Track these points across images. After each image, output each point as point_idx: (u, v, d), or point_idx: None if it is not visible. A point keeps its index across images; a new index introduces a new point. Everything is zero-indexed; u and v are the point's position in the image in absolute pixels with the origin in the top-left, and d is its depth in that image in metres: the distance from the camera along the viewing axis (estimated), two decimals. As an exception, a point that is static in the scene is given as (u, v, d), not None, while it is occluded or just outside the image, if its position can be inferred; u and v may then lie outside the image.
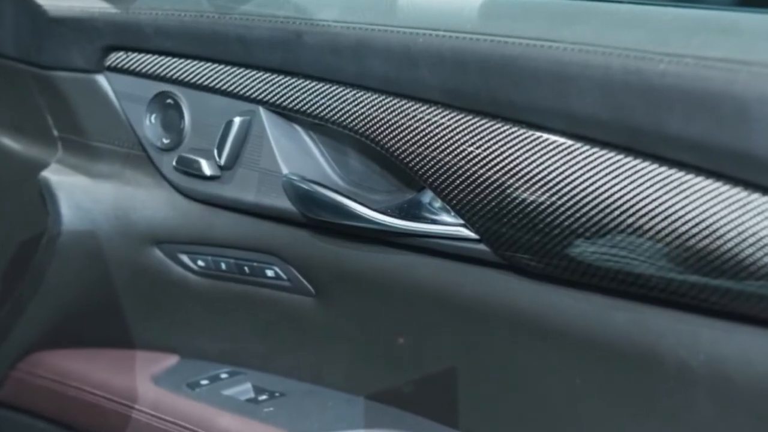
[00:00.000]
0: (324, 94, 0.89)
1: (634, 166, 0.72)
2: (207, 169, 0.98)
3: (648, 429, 0.78)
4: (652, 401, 0.77)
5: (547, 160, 0.76)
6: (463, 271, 0.86)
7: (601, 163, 0.73)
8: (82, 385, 1.09)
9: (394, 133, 0.84)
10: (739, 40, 0.72)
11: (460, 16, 0.84)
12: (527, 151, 0.77)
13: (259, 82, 0.93)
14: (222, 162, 0.96)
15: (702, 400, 0.74)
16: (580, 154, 0.74)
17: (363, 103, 0.86)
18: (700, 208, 0.69)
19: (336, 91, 0.88)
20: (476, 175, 0.79)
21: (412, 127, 0.83)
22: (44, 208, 1.05)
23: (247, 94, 0.94)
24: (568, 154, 0.75)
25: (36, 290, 1.08)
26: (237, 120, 0.95)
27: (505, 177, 0.78)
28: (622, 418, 0.80)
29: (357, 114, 0.86)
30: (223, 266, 1.02)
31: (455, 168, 0.81)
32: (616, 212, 0.73)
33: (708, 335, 0.73)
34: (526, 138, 0.77)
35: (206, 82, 0.97)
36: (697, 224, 0.69)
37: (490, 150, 0.78)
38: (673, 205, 0.70)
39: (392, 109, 0.84)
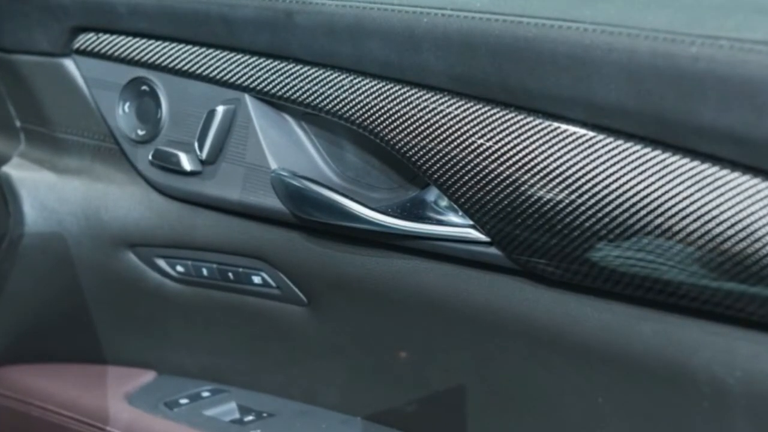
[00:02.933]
0: (317, 80, 0.89)
1: (663, 160, 0.72)
2: (187, 163, 0.98)
3: (678, 454, 0.79)
4: (683, 423, 0.77)
5: (566, 153, 0.76)
6: (472, 278, 0.86)
7: (626, 157, 0.73)
8: (47, 405, 1.09)
9: (395, 124, 0.84)
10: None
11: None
12: (544, 143, 0.77)
13: (245, 67, 0.93)
14: (203, 156, 0.96)
15: (739, 423, 0.74)
16: (603, 147, 0.74)
17: (361, 91, 0.86)
18: (737, 207, 0.69)
19: (331, 77, 0.88)
20: (487, 171, 0.79)
21: (415, 117, 0.83)
22: (5, 208, 1.05)
23: (232, 80, 0.94)
24: (590, 147, 0.75)
25: (-5, 299, 1.09)
26: (220, 109, 0.95)
27: (519, 172, 0.78)
28: (650, 441, 0.80)
29: (354, 102, 0.86)
30: (205, 272, 1.02)
31: (463, 163, 0.81)
32: (643, 212, 0.73)
33: (746, 349, 0.73)
34: (542, 129, 0.77)
35: (186, 67, 0.97)
36: (733, 225, 0.69)
37: (503, 142, 0.78)
38: (706, 203, 0.70)
39: (393, 96, 0.84)
